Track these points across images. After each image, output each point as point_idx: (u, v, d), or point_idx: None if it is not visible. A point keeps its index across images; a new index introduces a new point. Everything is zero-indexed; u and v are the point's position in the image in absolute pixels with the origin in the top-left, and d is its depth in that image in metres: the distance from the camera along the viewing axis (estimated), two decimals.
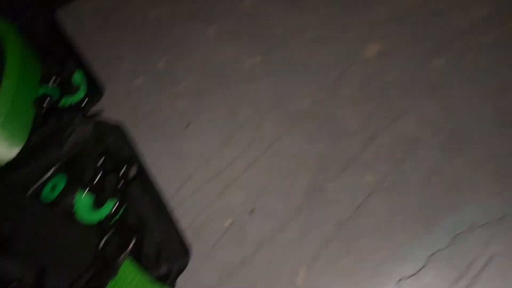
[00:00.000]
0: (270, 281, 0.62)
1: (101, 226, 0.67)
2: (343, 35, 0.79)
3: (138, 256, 0.65)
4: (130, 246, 0.65)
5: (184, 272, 0.65)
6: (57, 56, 0.91)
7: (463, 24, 0.73)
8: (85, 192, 0.68)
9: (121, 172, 0.70)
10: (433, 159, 0.64)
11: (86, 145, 0.77)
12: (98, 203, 0.69)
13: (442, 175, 0.63)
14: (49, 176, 0.73)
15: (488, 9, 0.72)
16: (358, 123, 0.71)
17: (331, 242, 0.63)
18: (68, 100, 0.83)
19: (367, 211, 0.63)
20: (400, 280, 0.58)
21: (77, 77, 0.85)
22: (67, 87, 0.85)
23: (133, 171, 0.71)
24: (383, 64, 0.74)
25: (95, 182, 0.69)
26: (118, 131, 0.78)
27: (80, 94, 0.84)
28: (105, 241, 0.65)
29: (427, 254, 0.59)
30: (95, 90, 0.86)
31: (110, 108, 0.84)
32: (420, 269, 0.58)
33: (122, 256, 0.63)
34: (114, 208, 0.67)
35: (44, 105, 0.81)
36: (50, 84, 0.83)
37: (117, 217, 0.67)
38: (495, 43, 0.70)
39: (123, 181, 0.71)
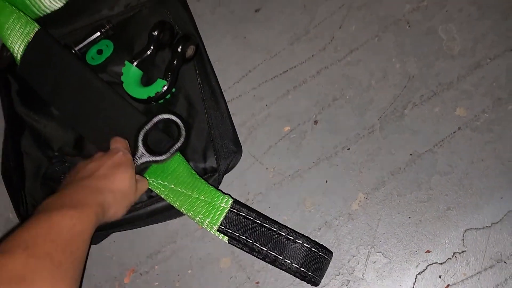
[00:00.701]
0: (321, 199, 0.60)
1: (149, 104, 0.65)
2: None
3: (184, 145, 0.63)
4: (181, 141, 0.62)
5: (231, 171, 0.63)
6: None
7: None
8: (134, 64, 0.64)
9: (177, 49, 0.65)
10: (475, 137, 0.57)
11: (140, 11, 0.71)
12: (146, 80, 0.66)
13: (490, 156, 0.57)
14: (95, 38, 0.69)
15: None
16: (463, 44, 0.62)
17: (400, 173, 0.59)
18: None
19: (450, 148, 0.58)
20: (466, 230, 0.56)
21: None
22: None
23: (190, 51, 0.66)
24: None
25: (145, 55, 0.65)
26: (178, 2, 0.71)
27: None
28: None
29: (507, 209, 0.55)
30: None
31: None
32: (494, 224, 0.55)
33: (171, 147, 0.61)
34: (164, 88, 0.64)
35: None
36: None
37: (166, 98, 0.64)
38: None
39: (177, 60, 0.66)
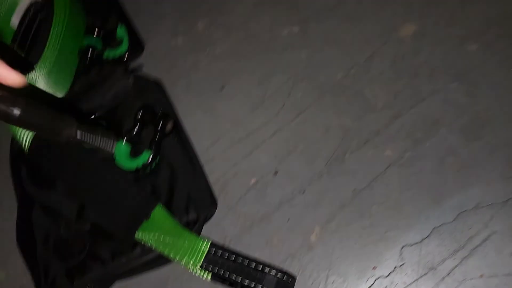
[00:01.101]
0: (286, 236, 0.75)
1: (138, 174, 0.81)
2: (380, 12, 0.88)
3: (169, 203, 0.78)
4: (162, 194, 0.78)
5: (210, 221, 0.78)
6: (101, 9, 1.03)
7: (498, 11, 0.81)
8: (124, 141, 0.81)
9: (158, 126, 0.83)
10: (451, 141, 0.74)
11: (127, 98, 0.90)
12: (135, 153, 0.82)
13: (457, 156, 0.73)
14: None
15: None
16: (385, 100, 0.80)
17: (346, 207, 0.74)
18: (111, 53, 0.96)
19: (383, 183, 0.74)
20: (403, 247, 0.70)
21: (120, 31, 0.97)
22: (110, 40, 0.97)
23: (169, 126, 0.84)
24: (416, 45, 0.83)
25: (133, 133, 0.83)
26: (157, 87, 0.90)
27: (122, 48, 0.96)
28: (140, 187, 0.79)
29: (432, 226, 0.70)
30: (136, 45, 0.98)
31: (149, 64, 0.97)
32: (423, 239, 0.70)
33: (155, 202, 0.77)
34: (150, 159, 0.80)
35: (88, 55, 0.93)
36: (94, 36, 0.95)
37: (152, 166, 0.81)
38: None
39: (159, 134, 0.83)
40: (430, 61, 0.81)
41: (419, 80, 0.81)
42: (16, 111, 0.56)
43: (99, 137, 0.75)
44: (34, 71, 0.86)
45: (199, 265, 0.70)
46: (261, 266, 0.69)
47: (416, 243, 0.70)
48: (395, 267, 0.69)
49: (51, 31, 0.90)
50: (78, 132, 0.70)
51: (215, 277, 0.70)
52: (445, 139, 0.75)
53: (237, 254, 0.70)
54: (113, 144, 0.78)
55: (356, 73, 0.84)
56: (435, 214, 0.70)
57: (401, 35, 0.85)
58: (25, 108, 0.57)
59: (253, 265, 0.69)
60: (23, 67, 0.87)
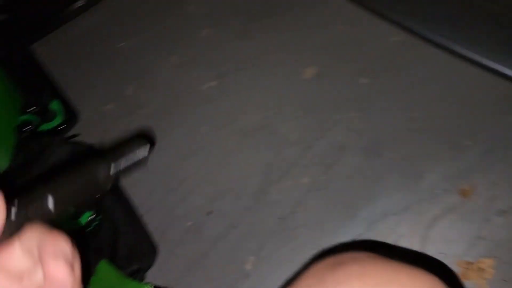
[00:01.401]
0: (224, 269, 0.82)
1: (81, 233, 0.87)
2: (286, 60, 1.02)
3: (113, 257, 0.84)
4: (105, 250, 0.84)
5: (152, 267, 0.84)
6: (34, 86, 1.11)
7: (383, 48, 0.96)
8: None
9: None
10: (356, 161, 0.86)
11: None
12: (76, 214, 0.88)
13: (362, 174, 0.85)
14: None
15: (402, 36, 0.94)
16: (298, 134, 0.92)
17: (274, 234, 0.83)
18: (47, 126, 1.03)
19: (303, 207, 0.84)
20: None
21: (54, 105, 1.06)
22: (45, 115, 1.05)
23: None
24: (319, 84, 0.97)
25: None
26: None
27: (57, 120, 1.04)
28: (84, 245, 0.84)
29: (351, 238, 0.80)
30: (71, 116, 1.06)
31: (84, 132, 1.05)
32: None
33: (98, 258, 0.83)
34: (91, 218, 0.87)
35: (24, 132, 1.01)
36: (29, 112, 1.03)
37: (93, 226, 0.87)
38: (408, 64, 0.93)
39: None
40: (331, 96, 0.94)
41: (324, 113, 0.93)
42: None
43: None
44: None
45: None
46: None
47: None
48: None
49: None
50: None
51: None
52: (350, 160, 0.87)
53: None
54: None
55: (271, 115, 0.96)
56: (351, 226, 0.80)
57: (305, 77, 0.98)
58: None
59: None
60: None
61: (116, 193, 0.92)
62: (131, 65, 1.12)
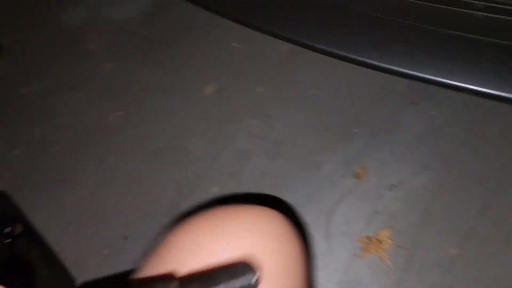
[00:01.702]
0: None
1: None
2: (187, 81, 1.07)
3: None
4: None
5: None
6: None
7: (274, 58, 1.04)
8: None
9: (6, 231, 0.89)
10: (260, 164, 0.91)
11: None
12: None
13: (268, 175, 0.90)
14: None
15: (288, 45, 1.03)
16: (203, 148, 0.96)
17: None
18: None
19: None
20: None
21: None
22: None
23: (18, 230, 0.90)
24: (220, 98, 1.02)
25: None
26: (1, 197, 0.97)
27: None
28: None
29: None
30: None
31: None
32: None
33: None
34: (4, 260, 0.85)
35: None
36: None
37: (6, 269, 0.85)
38: (297, 68, 1.02)
39: (10, 240, 0.89)
40: (232, 107, 1.00)
41: (226, 124, 0.99)
42: None
43: None
44: None
45: None
46: None
47: None
48: None
49: None
50: None
51: None
52: (255, 164, 0.92)
53: None
54: None
55: (177, 134, 1.00)
56: None
57: (206, 94, 1.04)
58: None
59: None
60: None
61: (31, 234, 0.91)
62: (36, 108, 1.13)
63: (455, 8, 0.82)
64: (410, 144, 0.87)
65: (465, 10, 0.80)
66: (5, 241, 0.88)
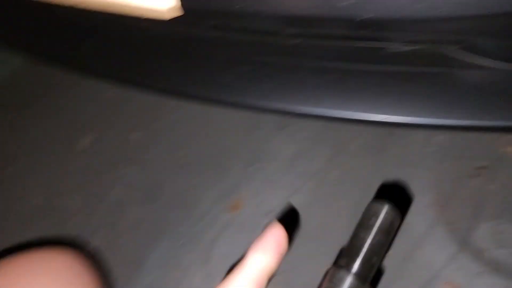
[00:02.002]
0: None
1: None
2: (61, 136, 1.04)
3: None
4: None
5: None
6: None
7: (146, 103, 1.05)
8: None
9: None
10: (138, 212, 0.89)
11: None
12: None
13: (146, 222, 0.88)
14: None
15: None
16: (80, 203, 0.93)
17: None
18: None
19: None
20: None
21: None
22: None
23: None
24: (95, 150, 1.00)
25: None
26: None
27: None
28: None
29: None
30: None
31: None
32: None
33: None
34: None
35: None
36: None
37: None
38: (172, 111, 1.02)
39: None
40: (107, 157, 0.99)
41: (102, 175, 0.96)
42: None
43: None
44: None
45: None
46: None
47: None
48: None
49: None
50: None
51: None
52: (132, 213, 0.90)
53: None
54: None
55: (52, 194, 0.96)
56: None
57: (81, 148, 1.01)
58: None
59: None
60: None
61: None
62: None
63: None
64: (281, 169, 0.89)
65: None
66: None
